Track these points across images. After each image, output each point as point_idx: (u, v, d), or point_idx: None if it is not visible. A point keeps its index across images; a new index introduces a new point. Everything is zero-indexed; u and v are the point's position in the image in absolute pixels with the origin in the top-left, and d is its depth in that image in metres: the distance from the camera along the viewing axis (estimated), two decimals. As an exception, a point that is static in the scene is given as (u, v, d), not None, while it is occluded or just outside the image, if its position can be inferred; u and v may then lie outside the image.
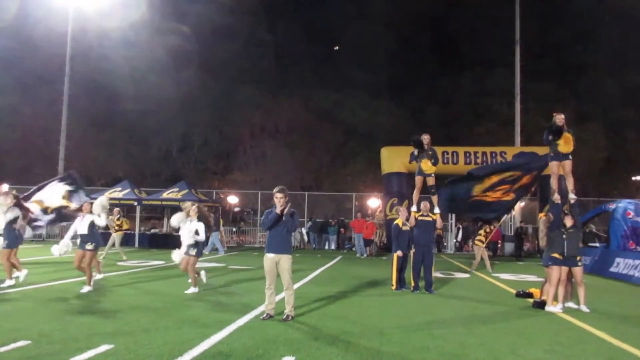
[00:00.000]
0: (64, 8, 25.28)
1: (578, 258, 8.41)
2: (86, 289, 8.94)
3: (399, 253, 10.25)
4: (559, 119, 9.26)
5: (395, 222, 10.53)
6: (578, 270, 8.38)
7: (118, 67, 36.71)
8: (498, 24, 33.38)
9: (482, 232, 15.34)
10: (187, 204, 9.78)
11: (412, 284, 10.20)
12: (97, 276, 10.38)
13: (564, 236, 8.33)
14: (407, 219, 10.43)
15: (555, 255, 8.34)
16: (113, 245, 16.16)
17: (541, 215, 9.26)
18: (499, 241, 21.56)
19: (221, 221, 22.79)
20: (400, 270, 10.35)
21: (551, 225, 8.55)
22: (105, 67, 36.59)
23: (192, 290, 9.13)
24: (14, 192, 10.27)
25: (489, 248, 17.31)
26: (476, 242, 15.44)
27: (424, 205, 10.44)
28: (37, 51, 34.09)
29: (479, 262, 14.92)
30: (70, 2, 24.78)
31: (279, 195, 6.84)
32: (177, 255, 9.49)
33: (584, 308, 8.26)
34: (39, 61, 34.24)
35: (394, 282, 10.36)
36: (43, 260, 14.37)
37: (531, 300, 9.06)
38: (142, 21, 34.60)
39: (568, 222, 8.42)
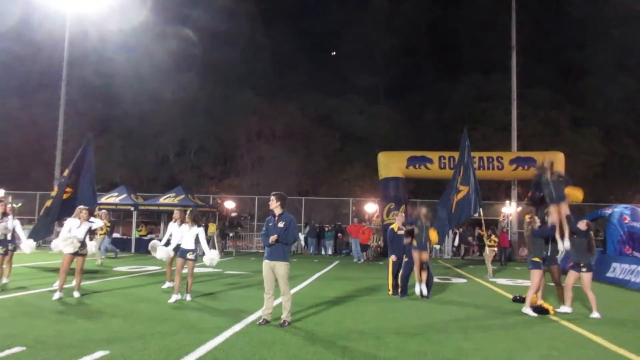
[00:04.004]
0: (61, 13, 25.28)
1: (582, 264, 8.47)
2: (76, 294, 8.88)
3: (393, 258, 10.26)
4: (546, 163, 8.96)
5: (391, 226, 10.56)
6: (585, 277, 8.42)
7: (115, 73, 36.71)
8: (494, 30, 33.45)
9: (485, 236, 15.37)
10: (176, 213, 9.81)
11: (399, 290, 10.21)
12: (4, 280, 10.04)
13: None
14: (404, 224, 10.44)
15: (536, 259, 8.47)
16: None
17: (527, 217, 9.25)
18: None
19: (213, 225, 22.70)
20: (396, 275, 10.36)
21: (534, 231, 8.64)
22: (102, 73, 36.56)
23: (187, 297, 8.93)
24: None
25: (496, 254, 17.26)
26: (488, 249, 15.34)
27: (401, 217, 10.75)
28: (34, 56, 34.04)
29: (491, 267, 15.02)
30: (67, 9, 24.79)
31: (272, 198, 7.14)
32: (162, 252, 9.36)
33: (595, 315, 8.23)
34: (36, 66, 34.21)
35: (390, 287, 10.36)
36: (38, 266, 14.31)
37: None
38: (139, 27, 34.60)
39: (582, 226, 8.56)
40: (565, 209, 8.63)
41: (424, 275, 10.00)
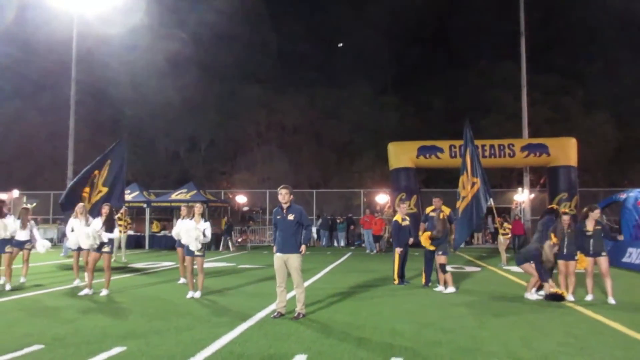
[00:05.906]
0: (67, 13, 25.39)
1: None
2: (104, 292, 8.88)
3: (399, 251, 10.27)
4: None
5: (395, 218, 10.54)
6: (602, 261, 8.36)
7: (123, 71, 36.86)
8: (503, 16, 33.17)
9: (498, 224, 15.20)
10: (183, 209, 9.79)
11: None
12: (22, 279, 10.23)
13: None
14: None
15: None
16: (119, 246, 16.08)
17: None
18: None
19: (223, 221, 22.77)
20: (402, 265, 10.43)
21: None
22: (110, 71, 36.76)
23: (197, 294, 8.68)
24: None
25: (510, 242, 17.09)
26: (502, 237, 15.20)
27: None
28: (42, 56, 34.30)
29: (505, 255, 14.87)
30: (73, 8, 24.88)
31: (282, 191, 7.05)
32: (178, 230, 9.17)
33: (610, 300, 8.17)
34: (44, 66, 34.46)
35: (395, 277, 10.40)
36: (54, 264, 14.47)
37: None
38: (146, 24, 34.77)
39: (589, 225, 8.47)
40: (572, 267, 8.65)
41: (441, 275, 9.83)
